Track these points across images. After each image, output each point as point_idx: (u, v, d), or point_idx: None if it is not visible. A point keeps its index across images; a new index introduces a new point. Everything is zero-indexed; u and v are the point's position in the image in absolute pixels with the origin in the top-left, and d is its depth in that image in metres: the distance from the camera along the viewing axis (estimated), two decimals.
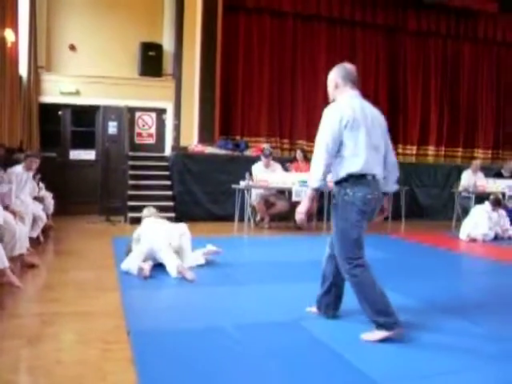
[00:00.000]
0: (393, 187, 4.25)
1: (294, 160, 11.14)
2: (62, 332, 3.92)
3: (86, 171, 11.85)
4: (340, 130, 3.79)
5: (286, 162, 11.05)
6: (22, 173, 7.43)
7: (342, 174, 3.84)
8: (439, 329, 4.09)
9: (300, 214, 3.95)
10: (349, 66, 4.16)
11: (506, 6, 14.80)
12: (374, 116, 4.04)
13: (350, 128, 3.79)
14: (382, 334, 3.72)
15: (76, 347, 3.60)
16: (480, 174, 11.54)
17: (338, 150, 3.81)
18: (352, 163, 3.80)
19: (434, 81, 15.09)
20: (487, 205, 9.44)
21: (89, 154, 11.99)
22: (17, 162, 7.61)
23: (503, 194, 10.50)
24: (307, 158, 10.69)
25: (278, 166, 10.46)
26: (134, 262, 5.67)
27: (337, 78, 4.09)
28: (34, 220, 7.34)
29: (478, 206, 9.65)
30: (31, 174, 7.74)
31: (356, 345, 3.68)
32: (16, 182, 6.96)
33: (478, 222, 9.24)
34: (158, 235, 5.94)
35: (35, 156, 7.81)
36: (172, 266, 5.58)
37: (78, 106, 11.90)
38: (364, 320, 3.98)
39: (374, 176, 3.87)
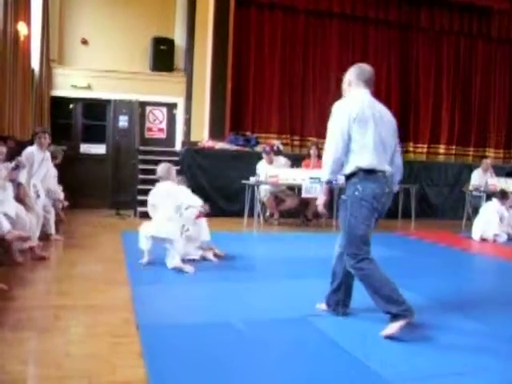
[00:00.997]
0: (395, 188, 4.24)
1: (306, 156, 11.07)
2: (72, 325, 3.93)
3: (97, 165, 11.88)
4: (349, 125, 3.81)
5: (296, 158, 11.01)
6: (34, 153, 7.07)
7: (351, 167, 3.87)
8: (450, 328, 4.07)
9: (319, 205, 4.18)
10: (365, 67, 4.17)
11: None
12: (384, 113, 4.05)
13: (358, 122, 3.81)
14: (398, 324, 3.71)
15: (85, 340, 3.60)
16: (491, 173, 11.47)
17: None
18: (361, 157, 3.83)
19: (446, 79, 15.00)
20: (495, 202, 9.34)
21: (99, 148, 12.03)
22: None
23: None
24: (320, 155, 10.68)
25: (282, 160, 10.40)
26: (145, 244, 5.89)
27: (351, 76, 4.11)
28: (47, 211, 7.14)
29: (487, 204, 9.59)
30: (47, 154, 7.39)
31: (365, 342, 3.67)
32: (28, 164, 6.67)
33: (489, 221, 9.16)
34: (171, 221, 5.87)
35: (43, 131, 7.49)
36: (171, 259, 5.67)
37: (89, 100, 11.94)
38: (372, 317, 3.97)
39: (384, 172, 3.89)
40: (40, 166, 7.12)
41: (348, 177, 3.94)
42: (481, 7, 14.56)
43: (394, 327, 3.72)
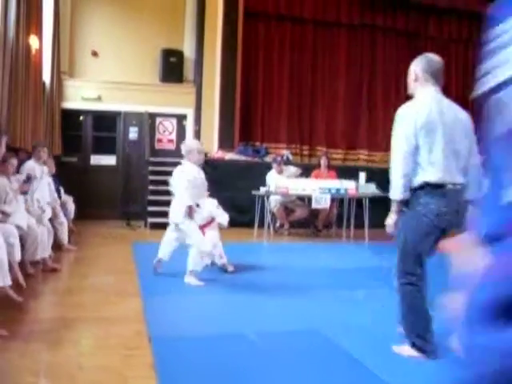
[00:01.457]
0: (473, 194, 3.52)
1: (317, 166, 11.06)
2: (84, 337, 3.95)
3: (107, 176, 11.93)
4: (415, 134, 3.46)
5: (305, 168, 11.02)
6: (33, 167, 6.90)
7: (418, 181, 3.50)
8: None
9: (388, 226, 3.71)
10: (433, 57, 3.72)
11: None
12: (456, 117, 3.61)
13: (425, 131, 3.45)
14: (413, 353, 3.51)
15: (97, 352, 3.62)
16: None
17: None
18: (428, 171, 3.47)
19: (454, 86, 14.96)
20: None
21: (109, 159, 12.09)
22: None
23: None
24: (330, 166, 10.71)
25: (292, 169, 10.42)
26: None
27: (417, 69, 3.68)
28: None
29: None
30: (45, 167, 7.26)
31: (378, 355, 3.64)
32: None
33: None
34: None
35: (41, 145, 7.44)
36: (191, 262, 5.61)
37: (99, 112, 12.02)
38: (386, 332, 3.95)
39: (453, 185, 3.49)
40: (41, 180, 6.99)
41: (412, 189, 3.56)
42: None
43: (407, 351, 3.55)
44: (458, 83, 15.05)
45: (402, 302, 3.58)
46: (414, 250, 3.52)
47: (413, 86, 3.75)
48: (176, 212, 5.82)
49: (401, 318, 3.62)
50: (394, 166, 3.56)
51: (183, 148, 5.95)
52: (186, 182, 5.72)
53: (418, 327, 3.52)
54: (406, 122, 3.54)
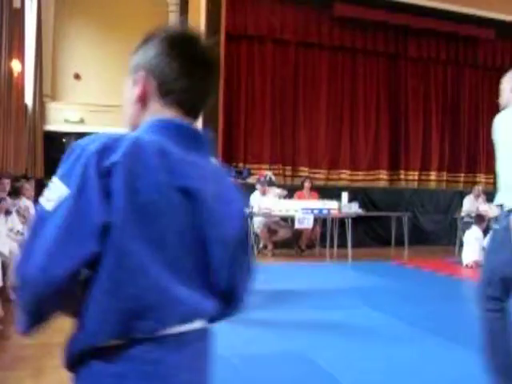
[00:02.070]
0: None
1: (300, 188, 11.13)
2: None
3: None
4: None
5: (288, 189, 11.08)
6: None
7: None
8: (438, 355, 4.10)
9: None
10: None
11: (502, 32, 15.04)
12: None
13: None
14: None
15: None
16: (482, 200, 11.56)
17: None
18: None
19: (435, 106, 15.23)
20: (474, 228, 9.48)
21: None
22: (18, 190, 7.43)
23: None
24: (312, 188, 10.80)
25: (275, 190, 10.47)
26: None
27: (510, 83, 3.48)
28: None
29: (467, 232, 9.69)
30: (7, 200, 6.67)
31: (364, 378, 3.67)
32: None
33: (469, 249, 9.33)
34: None
35: (6, 176, 7.25)
36: None
37: (82, 134, 11.84)
38: (371, 350, 3.99)
39: None
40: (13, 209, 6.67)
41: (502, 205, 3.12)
42: (467, 36, 14.88)
43: None
44: (438, 103, 15.30)
45: (483, 330, 3.15)
46: (502, 273, 3.07)
47: (509, 96, 3.53)
48: None
49: (483, 349, 3.16)
50: (507, 171, 3.13)
51: None
52: None
53: (500, 362, 3.05)
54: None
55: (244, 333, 4.66)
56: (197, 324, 1.19)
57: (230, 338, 4.43)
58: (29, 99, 10.99)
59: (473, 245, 9.28)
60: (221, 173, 1.38)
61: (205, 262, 1.20)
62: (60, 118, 11.75)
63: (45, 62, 11.52)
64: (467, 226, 10.92)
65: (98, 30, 12.15)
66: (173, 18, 12.60)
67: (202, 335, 1.23)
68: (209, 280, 1.22)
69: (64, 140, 12.00)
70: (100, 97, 11.96)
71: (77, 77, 12.02)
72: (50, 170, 11.47)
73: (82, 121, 11.86)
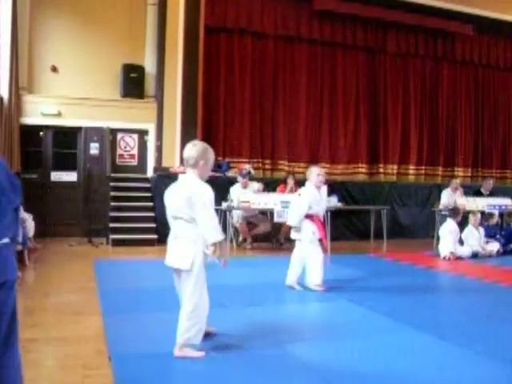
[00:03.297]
0: None
1: (282, 182, 11.12)
2: (43, 358, 3.89)
3: (68, 193, 11.79)
4: None
5: (266, 183, 11.08)
6: None
7: None
8: (417, 347, 4.13)
9: None
10: None
11: (481, 27, 15.16)
12: None
13: None
14: None
15: (56, 374, 3.57)
16: (459, 193, 11.66)
17: None
18: None
19: (413, 101, 15.31)
20: (449, 221, 9.59)
21: (70, 176, 11.94)
22: None
23: (482, 212, 10.63)
24: (296, 183, 10.80)
25: (255, 185, 10.46)
26: None
27: None
28: None
29: (443, 225, 9.81)
30: None
31: (344, 371, 3.67)
32: None
33: (444, 241, 9.44)
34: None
35: None
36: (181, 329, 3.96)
37: (59, 128, 11.88)
38: (351, 345, 4.00)
39: None
40: None
41: None
42: (445, 31, 14.98)
43: None
44: (417, 97, 15.38)
45: None
46: None
47: None
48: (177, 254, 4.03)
49: None
50: None
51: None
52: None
53: None
54: None
55: (223, 326, 4.64)
56: None
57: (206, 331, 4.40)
58: (4, 92, 10.82)
59: (447, 237, 9.39)
60: None
61: None
62: (37, 111, 11.59)
63: (21, 54, 11.34)
64: (445, 219, 11.02)
65: (76, 23, 11.99)
66: (151, 11, 12.47)
67: None
68: None
69: (41, 133, 11.85)
70: (78, 90, 11.83)
71: (54, 69, 11.86)
72: (27, 164, 11.36)
73: (59, 114, 11.71)
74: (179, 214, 3.88)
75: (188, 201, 3.80)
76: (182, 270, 3.87)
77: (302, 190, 6.42)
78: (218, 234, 3.80)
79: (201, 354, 3.86)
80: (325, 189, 6.44)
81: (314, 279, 6.20)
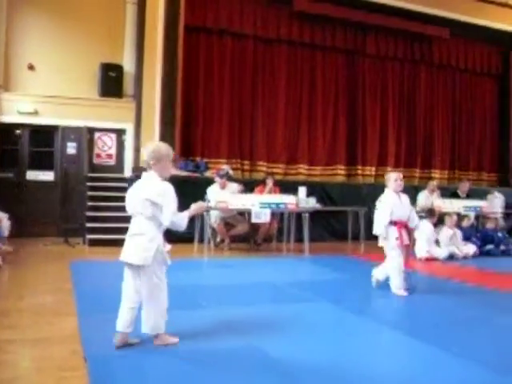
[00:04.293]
0: None
1: (261, 183, 11.11)
2: (18, 360, 3.85)
3: (44, 192, 11.67)
4: None
5: (245, 183, 11.06)
6: None
7: None
8: (394, 347, 4.16)
9: None
10: None
11: (457, 31, 15.33)
12: None
13: None
14: None
15: (32, 375, 3.53)
16: (436, 195, 11.77)
17: None
18: None
19: (391, 103, 15.45)
20: (425, 222, 9.67)
21: (47, 175, 11.82)
22: None
23: (458, 214, 10.74)
24: (276, 184, 10.81)
25: (233, 186, 10.41)
26: None
27: None
28: None
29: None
30: None
31: (320, 371, 3.68)
32: None
33: (420, 242, 9.56)
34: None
35: None
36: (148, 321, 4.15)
37: (36, 126, 11.76)
38: (323, 343, 4.00)
39: None
40: None
41: None
42: (423, 35, 15.13)
43: None
44: (395, 99, 15.52)
45: None
46: None
47: None
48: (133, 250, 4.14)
49: None
50: None
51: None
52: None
53: None
54: None
55: (197, 327, 4.63)
56: None
57: (182, 333, 4.40)
58: None
59: (423, 238, 9.48)
60: None
61: None
62: (13, 110, 11.46)
63: None
64: (421, 220, 11.11)
65: (54, 21, 11.89)
66: (130, 10, 12.40)
67: None
68: None
69: (17, 132, 11.72)
70: (55, 88, 11.72)
71: (31, 67, 11.73)
72: (3, 163, 11.22)
73: (36, 112, 11.59)
74: (138, 211, 4.09)
75: (148, 199, 4.01)
76: (141, 266, 4.00)
77: (382, 197, 6.52)
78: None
79: (176, 339, 4.14)
80: (406, 196, 6.55)
81: (393, 286, 6.32)
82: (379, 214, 6.44)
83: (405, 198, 6.53)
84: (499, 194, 12.99)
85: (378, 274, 6.51)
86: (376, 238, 6.49)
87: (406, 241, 6.38)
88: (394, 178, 6.45)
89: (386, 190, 6.53)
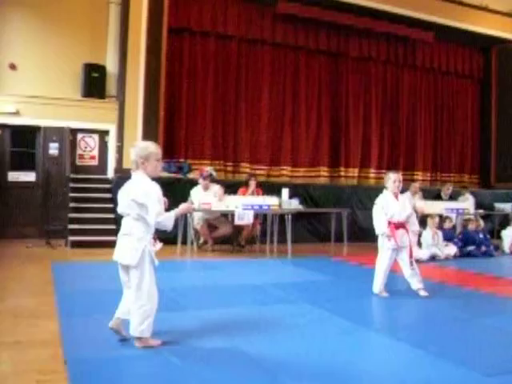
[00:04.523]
0: None
1: (244, 184, 11.08)
2: None
3: (26, 193, 11.57)
4: None
5: (228, 185, 11.04)
6: None
7: None
8: (377, 349, 4.17)
9: None
10: None
11: (441, 34, 15.44)
12: None
13: None
14: None
15: (11, 379, 3.49)
16: (419, 196, 11.85)
17: None
18: None
19: (374, 105, 15.53)
20: None
21: (29, 176, 11.72)
22: None
23: (441, 216, 10.82)
24: (258, 185, 10.79)
25: (215, 187, 10.34)
26: None
27: None
28: None
29: None
30: None
31: (303, 373, 3.68)
32: None
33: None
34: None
35: None
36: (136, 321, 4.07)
37: (17, 127, 11.65)
38: (304, 343, 4.01)
39: None
40: None
41: None
42: (406, 38, 15.23)
43: None
44: (378, 102, 15.59)
45: None
46: None
47: None
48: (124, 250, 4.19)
49: None
50: None
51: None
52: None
53: None
54: None
55: (181, 328, 4.63)
56: None
57: (166, 334, 4.38)
58: None
59: None
60: None
61: None
62: None
63: None
64: None
65: (36, 19, 11.80)
66: (113, 10, 12.35)
67: None
68: None
69: None
70: (37, 88, 11.63)
71: (12, 67, 11.63)
72: None
73: (17, 112, 11.48)
74: (126, 211, 4.13)
75: (134, 200, 4.04)
76: (130, 266, 4.05)
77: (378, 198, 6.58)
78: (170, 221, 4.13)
79: (158, 342, 4.11)
80: (406, 198, 6.62)
81: (375, 287, 6.38)
82: (374, 215, 6.56)
83: (403, 200, 6.55)
84: (470, 196, 13.14)
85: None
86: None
87: (404, 242, 6.40)
88: (392, 179, 6.47)
89: (384, 191, 6.58)
